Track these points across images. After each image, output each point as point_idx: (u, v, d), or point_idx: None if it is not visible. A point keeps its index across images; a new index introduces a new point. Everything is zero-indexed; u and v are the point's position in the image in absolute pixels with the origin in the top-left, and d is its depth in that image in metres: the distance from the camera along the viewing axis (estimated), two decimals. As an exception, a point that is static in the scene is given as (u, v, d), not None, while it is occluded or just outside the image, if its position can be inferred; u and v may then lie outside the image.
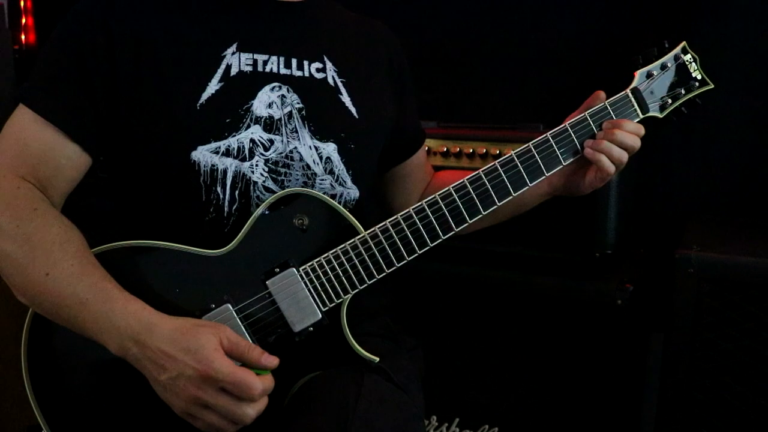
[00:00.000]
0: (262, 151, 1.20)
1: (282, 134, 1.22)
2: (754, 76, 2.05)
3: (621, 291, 1.71)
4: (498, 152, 1.82)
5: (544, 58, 2.27)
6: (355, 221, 1.19)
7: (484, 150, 1.84)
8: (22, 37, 2.76)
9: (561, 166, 1.26)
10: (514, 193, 1.23)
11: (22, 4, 2.74)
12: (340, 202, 1.25)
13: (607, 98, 1.29)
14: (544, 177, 1.25)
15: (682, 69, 1.32)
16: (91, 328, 1.07)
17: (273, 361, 1.09)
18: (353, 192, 1.29)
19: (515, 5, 2.29)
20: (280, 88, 1.23)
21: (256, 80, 1.22)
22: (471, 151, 1.85)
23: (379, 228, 1.18)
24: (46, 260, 1.08)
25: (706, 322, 1.61)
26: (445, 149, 1.87)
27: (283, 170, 1.21)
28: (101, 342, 1.07)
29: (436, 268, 1.85)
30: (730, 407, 1.60)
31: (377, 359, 1.18)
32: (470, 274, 1.86)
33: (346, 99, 1.29)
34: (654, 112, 1.31)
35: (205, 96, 1.17)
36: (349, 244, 1.17)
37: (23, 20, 2.76)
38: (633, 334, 1.79)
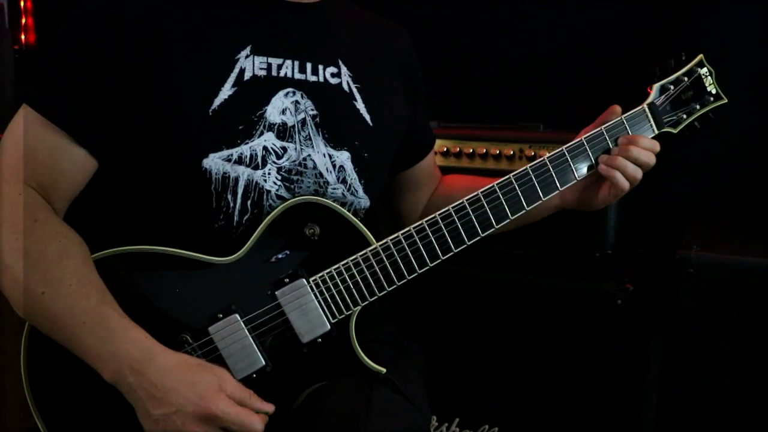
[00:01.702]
0: (275, 159, 1.17)
1: (295, 141, 1.19)
2: (754, 77, 2.05)
3: (621, 291, 1.71)
4: (498, 152, 1.82)
5: (544, 58, 2.27)
6: (368, 232, 1.17)
7: (485, 150, 1.84)
8: (22, 37, 2.75)
9: (574, 181, 1.24)
10: (527, 207, 1.21)
11: (22, 4, 2.74)
12: (350, 211, 1.23)
13: (623, 113, 1.26)
14: (557, 192, 1.23)
15: (697, 83, 1.30)
16: (87, 352, 1.05)
17: (270, 408, 1.10)
18: (364, 201, 1.27)
19: (515, 6, 2.29)
20: (294, 93, 1.20)
21: (269, 85, 1.18)
22: (471, 150, 1.85)
23: (391, 240, 1.16)
24: (42, 278, 1.06)
25: (706, 322, 1.61)
26: (445, 149, 1.87)
27: (295, 178, 1.19)
28: (95, 367, 1.05)
29: (435, 268, 1.85)
30: (730, 407, 1.60)
31: (384, 370, 1.17)
32: (470, 274, 1.86)
33: (360, 106, 1.26)
34: (669, 128, 1.29)
35: (217, 101, 1.14)
36: (360, 256, 1.15)
37: (23, 20, 2.75)
38: (633, 334, 1.79)
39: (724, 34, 2.06)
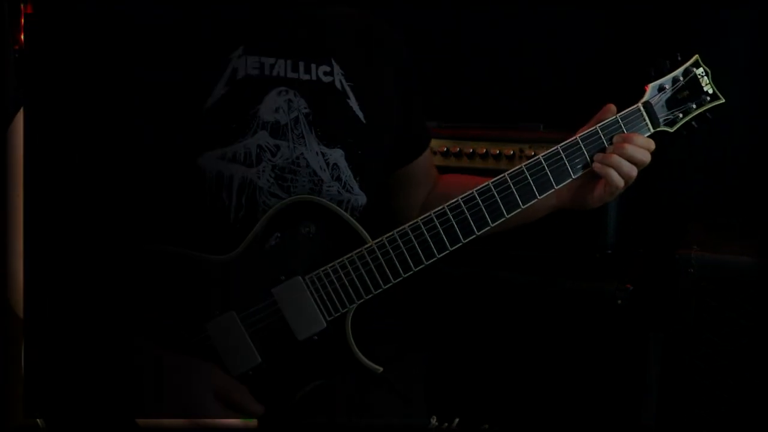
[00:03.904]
0: (269, 157, 1.18)
1: (288, 139, 1.20)
2: (753, 76, 2.05)
3: (621, 291, 1.71)
4: (498, 152, 1.82)
5: (543, 58, 2.27)
6: (363, 230, 1.17)
7: (485, 150, 1.84)
8: (22, 37, 2.75)
9: (570, 179, 1.24)
10: (523, 205, 1.21)
11: (22, 4, 2.74)
12: (347, 209, 1.24)
13: (618, 111, 1.27)
14: (553, 190, 1.23)
15: (693, 83, 1.30)
16: None
17: (260, 410, 1.10)
18: (360, 198, 1.28)
19: (515, 6, 2.29)
20: (287, 92, 1.21)
21: (262, 84, 1.20)
22: (471, 150, 1.85)
23: (386, 237, 1.17)
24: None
25: (706, 322, 1.61)
26: (445, 149, 1.87)
27: (289, 176, 1.20)
28: None
29: (435, 268, 1.84)
30: (730, 407, 1.60)
31: (381, 369, 1.17)
32: (470, 274, 1.86)
33: (353, 104, 1.28)
34: (665, 127, 1.29)
35: (211, 100, 1.15)
36: (356, 254, 1.16)
37: (23, 20, 2.75)
38: (633, 334, 1.79)
39: (724, 35, 2.06)
